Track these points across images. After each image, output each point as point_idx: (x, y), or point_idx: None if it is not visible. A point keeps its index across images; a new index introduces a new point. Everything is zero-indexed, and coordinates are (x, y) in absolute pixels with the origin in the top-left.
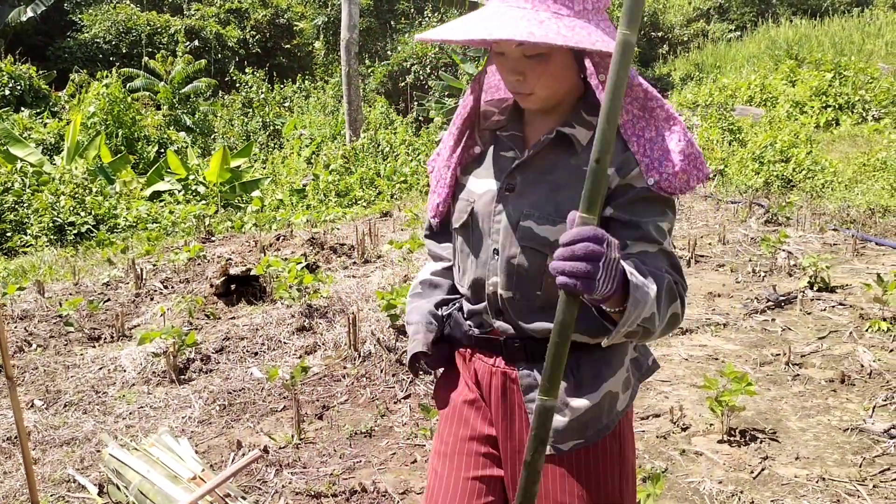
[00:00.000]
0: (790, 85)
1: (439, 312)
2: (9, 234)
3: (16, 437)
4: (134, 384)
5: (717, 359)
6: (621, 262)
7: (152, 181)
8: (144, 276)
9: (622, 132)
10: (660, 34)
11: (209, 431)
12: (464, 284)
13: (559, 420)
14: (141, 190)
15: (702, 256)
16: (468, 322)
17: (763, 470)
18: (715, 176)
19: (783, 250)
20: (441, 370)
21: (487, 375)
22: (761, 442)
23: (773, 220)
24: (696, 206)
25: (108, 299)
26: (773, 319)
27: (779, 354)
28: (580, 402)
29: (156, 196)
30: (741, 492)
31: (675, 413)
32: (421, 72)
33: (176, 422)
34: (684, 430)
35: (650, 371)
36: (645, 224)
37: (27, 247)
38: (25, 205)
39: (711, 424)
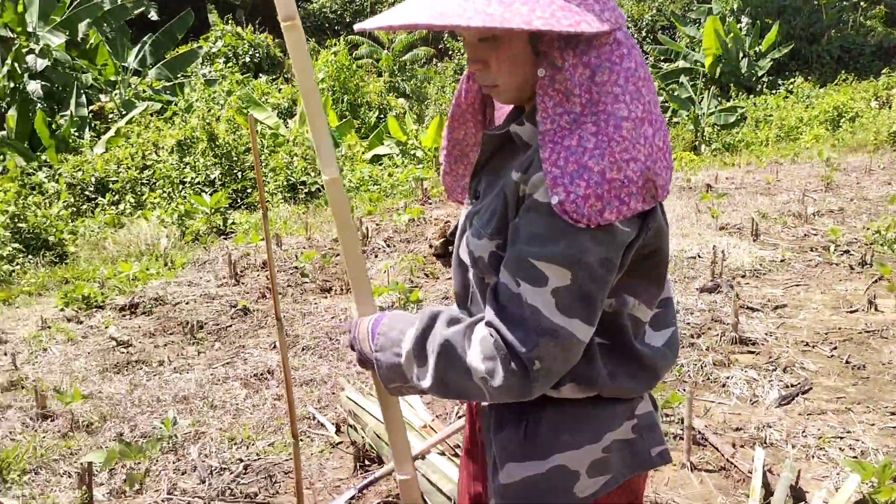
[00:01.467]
0: None
1: None
2: (249, 191)
3: (263, 374)
4: None
5: None
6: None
7: (373, 145)
8: (369, 235)
9: (538, 138)
10: None
11: None
12: None
13: (498, 482)
14: (363, 153)
15: None
16: None
17: None
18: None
19: None
20: None
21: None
22: None
23: None
24: None
25: (338, 254)
26: None
27: None
28: (518, 468)
29: (376, 159)
30: None
31: None
32: (636, 35)
33: None
34: None
35: (650, 463)
36: (515, 244)
37: (266, 203)
38: (264, 164)
39: None
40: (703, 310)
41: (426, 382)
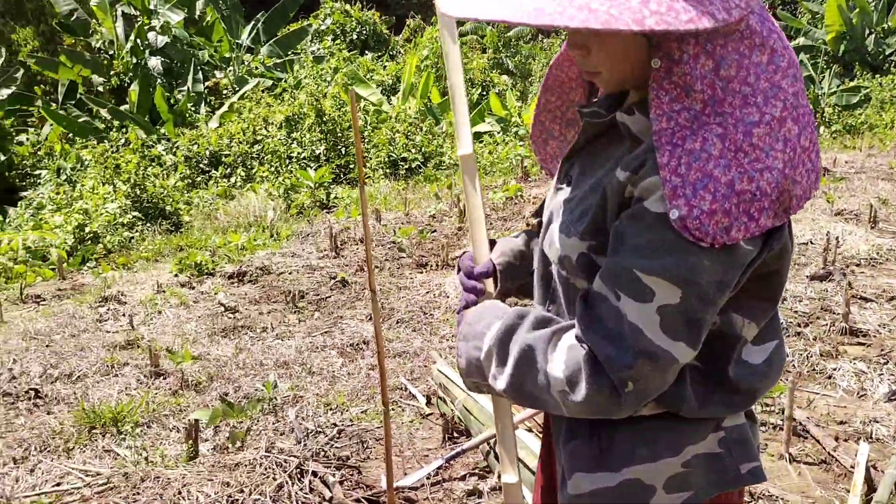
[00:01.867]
0: None
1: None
2: (351, 166)
3: (359, 344)
4: (456, 310)
5: None
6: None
7: (474, 122)
8: (465, 213)
9: (654, 138)
10: None
11: None
12: None
13: (566, 492)
14: None
15: None
16: None
17: None
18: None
19: None
20: None
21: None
22: None
23: None
24: None
25: (434, 230)
26: None
27: None
28: (586, 479)
29: (477, 136)
30: None
31: None
32: None
33: None
34: None
35: (738, 481)
36: (617, 253)
37: (366, 178)
38: (366, 140)
39: None
40: (813, 298)
41: (501, 384)
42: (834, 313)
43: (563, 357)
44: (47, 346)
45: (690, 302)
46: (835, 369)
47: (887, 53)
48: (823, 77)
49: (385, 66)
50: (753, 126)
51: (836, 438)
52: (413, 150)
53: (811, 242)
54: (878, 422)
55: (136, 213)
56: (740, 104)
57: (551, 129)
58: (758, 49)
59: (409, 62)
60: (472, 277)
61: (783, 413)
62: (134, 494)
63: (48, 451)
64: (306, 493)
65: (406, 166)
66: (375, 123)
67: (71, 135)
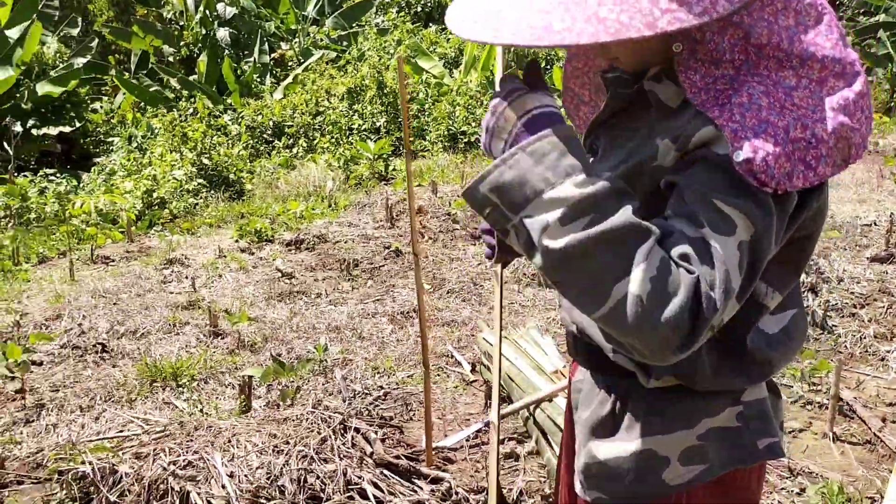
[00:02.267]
0: None
1: None
2: (411, 139)
3: (409, 312)
4: (506, 282)
5: None
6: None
7: None
8: None
9: (698, 107)
10: None
11: None
12: None
13: (580, 459)
14: None
15: None
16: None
17: None
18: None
19: None
20: None
21: (572, 369)
22: None
23: None
24: None
25: None
26: None
27: None
28: (600, 446)
29: None
30: None
31: None
32: None
33: (541, 321)
34: None
35: (755, 456)
36: (699, 193)
37: (425, 151)
38: (427, 113)
39: None
40: (872, 280)
41: (555, 243)
42: (892, 296)
43: (669, 267)
44: (115, 304)
45: (760, 244)
46: (888, 352)
47: None
48: None
49: (449, 39)
50: (792, 90)
51: (884, 420)
52: (473, 124)
53: (875, 224)
54: None
55: (201, 181)
56: (776, 67)
57: (581, 94)
58: (782, 13)
59: None
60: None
61: (829, 392)
62: (188, 441)
63: (112, 402)
64: (348, 448)
65: (465, 140)
66: (436, 96)
67: (142, 104)
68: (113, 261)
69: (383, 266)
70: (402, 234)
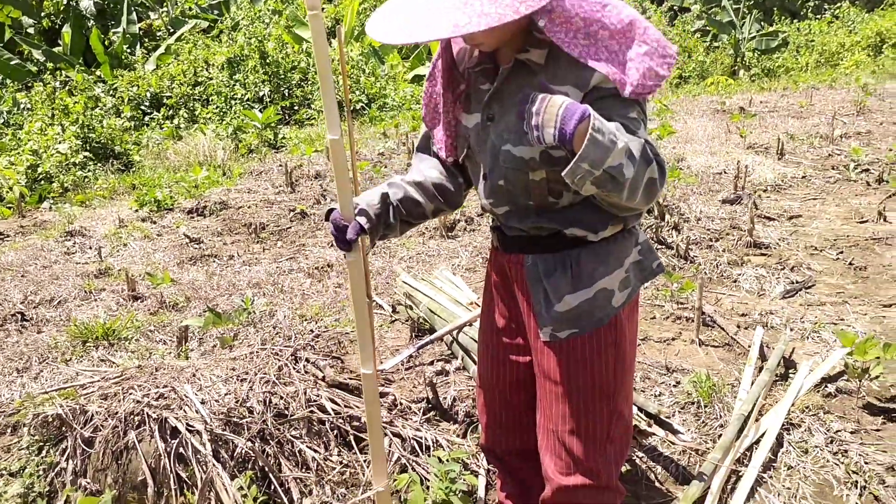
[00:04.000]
0: None
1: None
2: (296, 108)
3: (324, 267)
4: (411, 236)
5: None
6: (588, 115)
7: (414, 65)
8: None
9: (582, 61)
10: None
11: (475, 277)
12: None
13: (556, 311)
14: (405, 73)
15: None
16: (495, 231)
17: None
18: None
19: None
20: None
21: (510, 267)
22: None
23: None
24: None
25: (385, 166)
26: None
27: None
28: (573, 297)
29: (417, 79)
30: None
31: None
32: None
33: (447, 267)
34: None
35: (653, 273)
36: (618, 118)
37: (311, 119)
38: (310, 82)
39: None
40: (724, 218)
41: (629, 171)
42: (741, 230)
43: (657, 158)
44: (22, 276)
45: (646, 126)
46: (740, 274)
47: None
48: (744, 23)
49: (324, 9)
50: (617, 17)
51: (738, 326)
52: (357, 92)
53: (725, 172)
54: (773, 314)
55: (87, 154)
56: (602, 10)
57: (438, 113)
58: None
59: (349, 4)
60: (343, 239)
61: (694, 307)
62: (153, 379)
63: (48, 363)
64: (303, 375)
65: (351, 108)
66: (316, 65)
67: (2, 77)
68: (8, 236)
69: (290, 228)
70: (304, 198)
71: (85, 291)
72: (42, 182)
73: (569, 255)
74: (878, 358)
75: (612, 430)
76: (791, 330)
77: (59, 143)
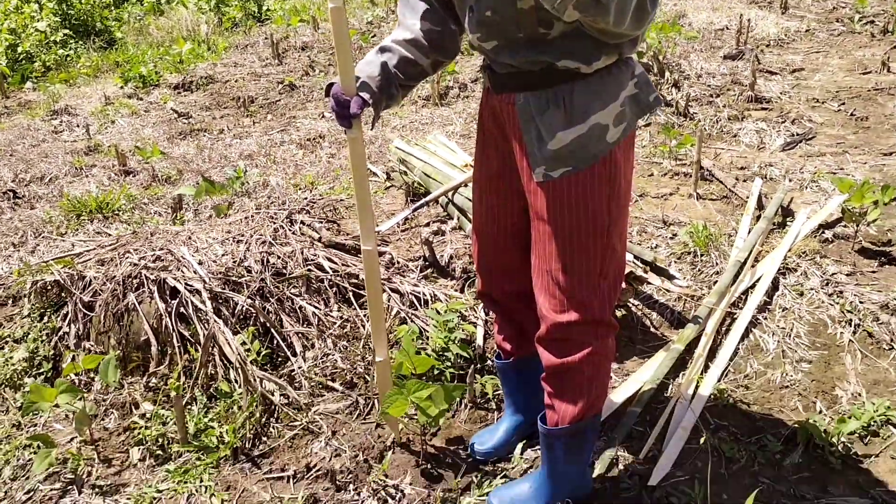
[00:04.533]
0: None
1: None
2: None
3: (315, 138)
4: (404, 105)
5: None
6: None
7: None
8: None
9: None
10: None
11: (470, 143)
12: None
13: (548, 149)
14: None
15: None
16: (486, 70)
17: None
18: None
19: None
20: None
21: (502, 108)
22: None
23: None
24: None
25: (374, 35)
26: None
27: None
28: (566, 133)
29: None
30: None
31: None
32: None
33: (440, 133)
34: None
35: (650, 107)
36: None
37: None
38: None
39: None
40: (725, 74)
41: None
42: (742, 85)
43: None
44: (11, 155)
45: None
46: (739, 129)
47: None
48: None
49: None
50: None
51: (737, 179)
52: None
53: (727, 28)
54: (772, 166)
55: (66, 31)
56: None
57: None
58: None
59: None
60: (346, 115)
61: (693, 161)
62: (149, 243)
63: (43, 237)
64: (299, 236)
65: None
66: None
67: None
68: None
69: (279, 101)
70: (292, 70)
71: (75, 168)
72: (23, 62)
73: (561, 90)
74: (875, 202)
75: (606, 266)
76: (790, 180)
77: (37, 21)
